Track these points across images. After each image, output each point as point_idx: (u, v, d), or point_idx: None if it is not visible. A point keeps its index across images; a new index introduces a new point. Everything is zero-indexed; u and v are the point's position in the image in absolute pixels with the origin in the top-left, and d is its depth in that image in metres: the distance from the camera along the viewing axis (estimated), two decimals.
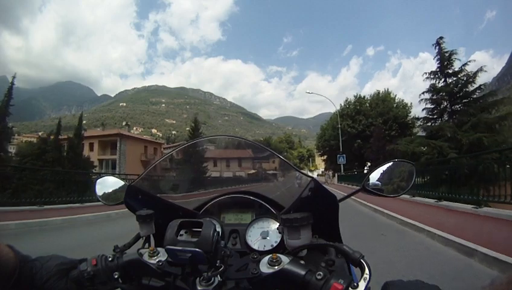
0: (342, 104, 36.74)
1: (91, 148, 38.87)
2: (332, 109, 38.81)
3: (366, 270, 0.50)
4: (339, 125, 30.21)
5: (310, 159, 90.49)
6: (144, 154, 43.01)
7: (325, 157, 42.66)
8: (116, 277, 0.61)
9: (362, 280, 0.48)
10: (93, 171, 19.35)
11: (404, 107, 32.98)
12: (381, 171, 0.73)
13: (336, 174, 29.42)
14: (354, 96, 37.17)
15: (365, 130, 32.73)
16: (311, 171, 67.53)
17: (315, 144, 45.49)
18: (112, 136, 40.68)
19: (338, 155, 26.76)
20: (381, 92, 35.81)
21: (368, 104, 35.10)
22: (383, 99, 34.14)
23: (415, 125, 28.24)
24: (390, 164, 0.74)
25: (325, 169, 49.60)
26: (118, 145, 39.11)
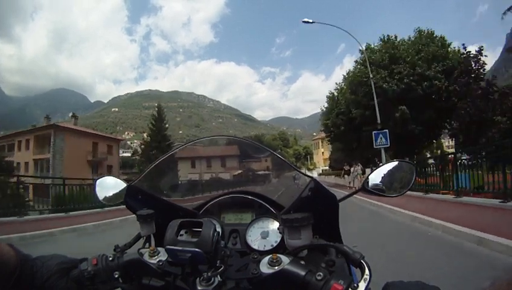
0: (360, 54, 21.20)
1: (27, 147, 32.70)
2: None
3: (367, 271, 0.50)
4: (371, 76, 16.46)
5: (308, 157, 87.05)
6: (92, 153, 34.07)
7: (332, 146, 28.72)
8: (116, 276, 0.61)
9: (362, 280, 0.48)
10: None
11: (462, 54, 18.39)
12: (381, 171, 0.74)
13: (367, 170, 16.14)
14: (380, 39, 21.36)
15: (415, 86, 18.20)
16: (309, 170, 62.66)
17: (321, 122, 27.68)
18: (46, 130, 31.81)
19: (375, 132, 14.44)
20: (423, 30, 20.76)
21: (405, 48, 19.93)
22: (430, 38, 20.05)
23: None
24: (390, 163, 0.75)
25: (330, 166, 34.37)
26: (52, 140, 30.72)
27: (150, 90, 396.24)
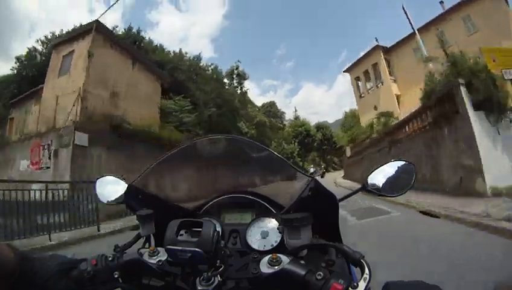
0: None
1: None
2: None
3: (366, 271, 0.50)
4: None
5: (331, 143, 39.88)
6: None
7: None
8: (116, 276, 0.61)
9: (362, 280, 0.48)
10: None
11: None
12: (382, 171, 0.74)
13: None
14: None
15: None
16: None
17: None
18: None
19: None
20: None
21: None
22: None
23: None
24: (390, 163, 0.75)
25: None
26: None
27: None
